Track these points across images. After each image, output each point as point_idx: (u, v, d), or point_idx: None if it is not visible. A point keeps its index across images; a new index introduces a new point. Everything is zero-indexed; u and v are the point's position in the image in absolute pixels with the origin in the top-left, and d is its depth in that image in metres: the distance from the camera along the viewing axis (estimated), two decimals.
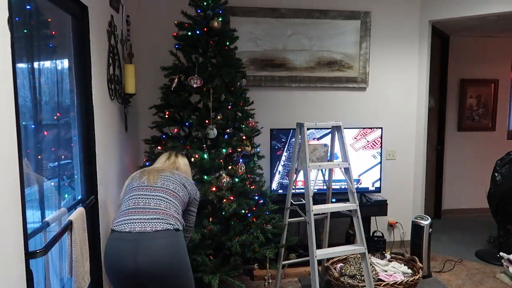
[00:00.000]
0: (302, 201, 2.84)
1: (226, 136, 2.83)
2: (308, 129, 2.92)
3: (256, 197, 2.93)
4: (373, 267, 3.11)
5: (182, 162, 2.38)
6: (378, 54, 3.90)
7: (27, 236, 1.42)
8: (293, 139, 3.42)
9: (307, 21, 3.73)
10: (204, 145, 2.76)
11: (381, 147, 3.69)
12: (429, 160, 4.39)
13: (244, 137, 2.89)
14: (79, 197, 2.18)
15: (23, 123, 1.52)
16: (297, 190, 3.46)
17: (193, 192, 2.21)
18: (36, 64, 1.74)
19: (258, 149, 3.10)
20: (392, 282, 2.93)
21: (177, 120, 2.88)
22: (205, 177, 2.71)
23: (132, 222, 1.82)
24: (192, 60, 2.84)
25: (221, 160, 2.75)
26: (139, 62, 3.17)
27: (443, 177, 5.12)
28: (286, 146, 3.54)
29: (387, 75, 3.95)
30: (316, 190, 3.32)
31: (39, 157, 1.78)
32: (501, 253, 3.51)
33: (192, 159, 2.72)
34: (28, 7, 1.65)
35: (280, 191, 3.51)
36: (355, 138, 3.64)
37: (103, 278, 2.33)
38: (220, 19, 2.83)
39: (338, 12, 3.77)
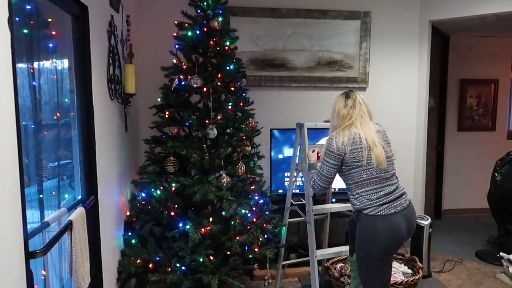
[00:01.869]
0: (302, 201, 2.84)
1: (226, 136, 2.83)
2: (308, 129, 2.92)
3: (256, 197, 2.93)
4: None
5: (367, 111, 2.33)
6: (378, 54, 3.90)
7: (27, 236, 1.42)
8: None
9: (307, 21, 3.73)
10: (204, 145, 2.76)
11: None
12: (429, 160, 4.39)
13: (244, 137, 2.89)
14: (79, 197, 2.18)
15: (23, 123, 1.52)
16: (297, 190, 3.47)
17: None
18: (36, 64, 1.74)
19: (258, 149, 3.10)
20: (392, 282, 2.93)
21: (177, 120, 2.88)
22: (205, 177, 2.71)
23: (394, 206, 2.18)
24: (192, 60, 2.84)
25: (221, 160, 2.75)
26: (139, 62, 3.17)
27: (443, 177, 5.12)
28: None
29: (387, 75, 3.95)
30: None
31: (39, 157, 1.78)
32: (501, 253, 3.51)
33: (192, 159, 2.72)
34: (28, 7, 1.64)
35: (280, 191, 3.51)
36: None
37: (103, 278, 2.33)
38: (220, 19, 2.83)
39: (338, 12, 3.77)
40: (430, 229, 3.47)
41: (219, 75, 2.80)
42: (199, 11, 2.85)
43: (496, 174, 3.77)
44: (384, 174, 2.21)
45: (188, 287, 2.53)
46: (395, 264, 3.25)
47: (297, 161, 2.95)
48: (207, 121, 2.77)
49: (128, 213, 2.93)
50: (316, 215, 2.85)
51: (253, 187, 2.95)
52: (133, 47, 3.08)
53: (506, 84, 5.19)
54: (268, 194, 3.09)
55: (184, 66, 2.82)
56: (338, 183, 3.53)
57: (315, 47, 3.77)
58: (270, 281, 2.98)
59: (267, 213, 2.93)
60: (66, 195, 2.10)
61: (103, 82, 2.44)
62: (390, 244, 2.16)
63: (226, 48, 2.86)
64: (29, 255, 1.42)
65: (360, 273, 2.29)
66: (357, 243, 2.23)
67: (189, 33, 2.81)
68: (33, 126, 1.71)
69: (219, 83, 2.79)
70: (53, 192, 1.94)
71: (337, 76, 3.84)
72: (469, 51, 5.01)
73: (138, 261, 2.66)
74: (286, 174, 3.55)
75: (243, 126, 2.93)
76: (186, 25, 2.84)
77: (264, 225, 2.83)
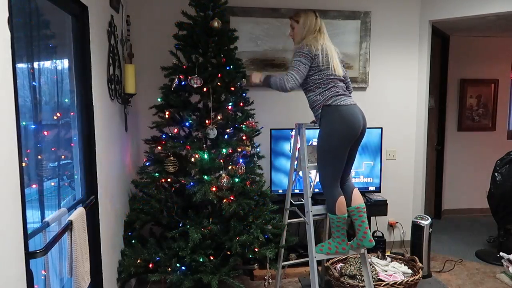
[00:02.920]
0: (302, 201, 2.84)
1: (226, 136, 2.83)
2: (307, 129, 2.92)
3: (256, 197, 2.93)
4: (373, 267, 3.12)
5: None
6: (378, 54, 3.90)
7: (27, 236, 1.42)
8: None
9: None
10: (204, 145, 2.76)
11: (381, 147, 3.69)
12: (429, 160, 4.39)
13: (244, 137, 2.89)
14: (79, 197, 2.18)
15: (23, 123, 1.52)
16: (296, 190, 3.47)
17: None
18: (36, 64, 1.74)
19: (258, 149, 3.10)
20: (392, 282, 2.93)
21: (177, 120, 2.88)
22: (205, 177, 2.71)
23: (351, 100, 2.62)
24: (192, 60, 2.84)
25: (221, 160, 2.75)
26: (139, 62, 3.17)
27: (443, 177, 5.12)
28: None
29: (387, 75, 3.95)
30: (316, 190, 3.32)
31: (39, 157, 1.78)
32: (501, 253, 3.52)
33: (192, 159, 2.72)
34: (28, 7, 1.64)
35: (280, 191, 3.51)
36: None
37: (103, 278, 2.33)
38: (220, 19, 2.83)
39: (338, 12, 3.77)
40: (430, 229, 3.47)
41: (219, 75, 2.80)
42: (199, 11, 2.85)
43: (496, 174, 3.77)
44: (339, 78, 2.65)
45: (188, 287, 2.53)
46: (395, 264, 3.25)
47: (296, 162, 2.95)
48: (207, 121, 2.77)
49: (128, 213, 2.93)
50: (315, 216, 2.85)
51: (253, 187, 2.95)
52: (133, 47, 3.08)
53: (506, 84, 5.19)
54: (268, 194, 3.09)
55: (184, 66, 2.82)
56: None
57: None
58: (270, 281, 2.98)
59: (267, 213, 2.93)
60: (66, 195, 2.10)
61: (103, 82, 2.44)
62: (351, 132, 2.53)
63: (226, 48, 2.87)
64: (29, 255, 1.42)
65: (319, 164, 2.65)
66: (321, 136, 2.59)
67: (189, 33, 2.81)
68: (33, 126, 1.71)
69: (219, 83, 2.79)
70: (53, 192, 1.94)
71: None
72: (469, 51, 5.01)
73: (138, 261, 2.66)
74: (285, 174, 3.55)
75: (243, 126, 2.93)
76: (186, 25, 2.84)
77: (264, 225, 2.83)
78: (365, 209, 2.71)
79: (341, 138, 2.53)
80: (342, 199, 2.64)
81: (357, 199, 2.72)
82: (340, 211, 2.64)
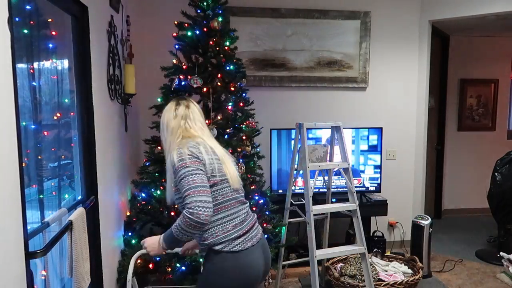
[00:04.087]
0: (302, 201, 2.84)
1: (226, 136, 2.83)
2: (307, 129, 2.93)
3: (256, 197, 2.93)
4: (373, 267, 3.12)
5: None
6: (378, 54, 3.90)
7: (27, 236, 1.41)
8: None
9: (307, 21, 3.73)
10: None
11: (381, 147, 3.69)
12: (429, 160, 4.39)
13: (244, 137, 2.89)
14: (79, 197, 2.18)
15: (23, 123, 1.52)
16: (297, 190, 3.47)
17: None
18: (36, 64, 1.74)
19: (258, 149, 3.09)
20: (392, 282, 2.93)
21: None
22: None
23: (250, 238, 1.78)
24: (192, 60, 2.84)
25: None
26: (139, 62, 3.17)
27: (443, 177, 5.12)
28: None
29: (387, 75, 3.95)
30: (316, 190, 3.32)
31: (39, 157, 1.78)
32: (501, 253, 3.51)
33: None
34: (28, 7, 1.64)
35: (280, 191, 3.51)
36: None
37: (103, 278, 2.33)
38: (220, 19, 2.83)
39: (338, 12, 3.77)
40: (430, 229, 3.47)
41: (219, 75, 2.80)
42: (199, 11, 2.85)
43: (496, 174, 3.77)
44: (238, 196, 1.79)
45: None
46: (395, 264, 3.25)
47: (296, 161, 2.95)
48: (207, 121, 2.77)
49: (128, 213, 2.93)
50: (316, 215, 2.85)
51: (253, 187, 2.95)
52: (133, 47, 3.08)
53: (506, 84, 5.19)
54: (268, 194, 3.09)
55: (184, 66, 2.81)
56: (337, 181, 3.54)
57: (315, 47, 3.77)
58: (270, 281, 2.98)
59: (267, 213, 2.93)
60: (66, 195, 2.10)
61: (103, 82, 2.44)
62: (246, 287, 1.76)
63: (226, 48, 2.86)
64: (29, 255, 1.42)
65: None
66: None
67: (189, 33, 2.81)
68: (33, 126, 1.71)
69: (219, 83, 2.78)
70: (53, 192, 1.94)
71: (337, 76, 3.84)
72: (469, 51, 5.01)
73: (138, 261, 2.66)
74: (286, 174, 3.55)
75: (243, 126, 2.93)
76: (186, 25, 2.84)
77: (264, 225, 2.83)
78: None
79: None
80: None
81: None
82: None
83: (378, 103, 3.96)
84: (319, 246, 3.02)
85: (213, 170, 1.70)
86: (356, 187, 3.26)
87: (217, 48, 2.81)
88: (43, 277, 1.69)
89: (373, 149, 3.68)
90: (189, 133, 1.79)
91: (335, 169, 3.12)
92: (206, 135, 1.83)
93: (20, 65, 1.55)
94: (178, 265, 2.61)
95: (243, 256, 1.72)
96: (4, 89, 1.29)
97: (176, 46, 2.88)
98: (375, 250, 3.46)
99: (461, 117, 5.14)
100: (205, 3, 2.81)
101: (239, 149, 2.84)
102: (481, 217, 4.96)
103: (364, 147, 3.67)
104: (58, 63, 2.02)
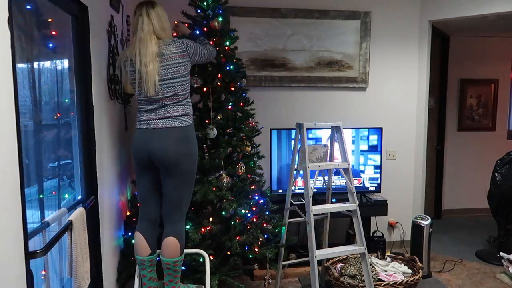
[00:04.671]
0: (302, 201, 2.84)
1: (226, 136, 2.83)
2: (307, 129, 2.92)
3: (256, 197, 2.93)
4: (373, 267, 3.12)
5: (156, 20, 2.29)
6: (378, 54, 3.90)
7: (27, 236, 1.41)
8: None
9: (307, 21, 3.73)
10: (204, 145, 2.76)
11: (381, 147, 3.69)
12: (429, 160, 4.40)
13: (244, 137, 2.89)
14: (79, 197, 2.18)
15: (23, 123, 1.52)
16: (297, 190, 3.47)
17: (192, 49, 2.35)
18: (36, 64, 1.74)
19: (258, 149, 3.09)
20: (392, 282, 2.93)
21: None
22: (205, 177, 2.71)
23: (148, 123, 2.28)
24: None
25: (221, 160, 2.75)
26: None
27: (443, 177, 5.12)
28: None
29: (387, 75, 3.95)
30: (316, 190, 3.32)
31: (39, 157, 1.78)
32: (501, 253, 3.52)
33: None
34: (28, 7, 1.64)
35: (280, 191, 3.51)
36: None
37: (103, 278, 2.33)
38: (220, 19, 2.83)
39: (338, 12, 3.77)
40: (430, 229, 3.47)
41: (219, 75, 2.80)
42: (199, 11, 2.85)
43: (496, 174, 3.77)
44: (154, 98, 2.25)
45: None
46: (395, 264, 3.25)
47: (296, 161, 2.95)
48: (207, 121, 2.77)
49: (128, 213, 2.93)
50: (316, 215, 2.85)
51: (253, 187, 2.95)
52: None
53: (506, 84, 5.19)
54: (268, 194, 3.09)
55: None
56: (337, 181, 3.54)
57: (315, 47, 3.77)
58: (270, 281, 2.98)
59: (267, 213, 2.93)
60: (66, 195, 2.10)
61: (103, 82, 2.44)
62: (137, 157, 2.32)
63: (226, 48, 2.86)
64: (29, 255, 1.42)
65: None
66: None
67: (189, 33, 2.81)
68: (33, 126, 1.71)
69: (219, 83, 2.79)
70: (53, 192, 1.94)
71: (337, 76, 3.84)
72: (469, 51, 5.01)
73: None
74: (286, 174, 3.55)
75: (243, 126, 2.93)
76: (186, 25, 2.84)
77: (264, 225, 2.83)
78: (175, 266, 2.28)
79: (134, 160, 2.38)
80: (138, 236, 2.33)
81: (165, 251, 2.28)
82: (136, 251, 2.34)
83: (378, 103, 3.96)
84: (319, 246, 3.02)
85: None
86: (356, 187, 3.26)
87: (217, 48, 2.81)
88: (43, 277, 1.70)
89: (373, 149, 3.68)
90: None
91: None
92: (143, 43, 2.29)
93: (20, 65, 1.55)
94: None
95: (137, 132, 2.33)
96: (4, 89, 1.29)
97: None
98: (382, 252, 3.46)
99: (461, 117, 5.14)
100: (205, 3, 2.82)
101: (239, 149, 2.85)
102: (481, 217, 4.96)
103: (364, 147, 3.67)
104: (58, 63, 2.02)
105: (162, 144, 2.22)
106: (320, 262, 3.21)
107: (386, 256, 3.39)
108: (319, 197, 3.29)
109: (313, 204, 2.73)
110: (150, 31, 2.23)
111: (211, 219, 2.72)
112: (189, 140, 2.29)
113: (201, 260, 2.59)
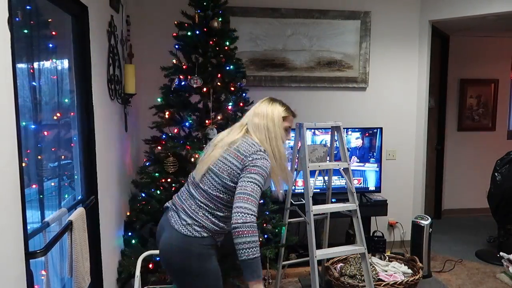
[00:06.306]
0: (302, 201, 2.84)
1: None
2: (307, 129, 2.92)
3: None
4: (373, 267, 3.12)
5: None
6: (378, 54, 3.90)
7: (27, 236, 1.42)
8: None
9: (307, 21, 3.73)
10: (204, 145, 2.76)
11: (381, 147, 3.69)
12: (429, 160, 4.39)
13: None
14: (79, 197, 2.18)
15: (23, 123, 1.52)
16: (297, 190, 3.47)
17: (249, 161, 1.77)
18: (36, 64, 1.74)
19: None
20: (392, 282, 2.93)
21: (177, 120, 2.88)
22: None
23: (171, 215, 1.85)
24: (192, 60, 2.84)
25: None
26: (139, 62, 3.17)
27: (443, 177, 5.12)
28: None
29: (387, 75, 3.95)
30: (318, 190, 3.32)
31: (39, 157, 1.78)
32: (501, 253, 3.51)
33: (192, 159, 2.72)
34: (28, 7, 1.65)
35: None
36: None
37: (103, 278, 2.33)
38: (220, 19, 2.83)
39: (338, 12, 3.77)
40: (430, 229, 3.47)
41: (219, 75, 2.80)
42: (199, 11, 2.85)
43: (496, 174, 3.77)
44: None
45: None
46: (395, 264, 3.25)
47: (296, 161, 2.95)
48: (207, 121, 2.77)
49: (128, 213, 2.93)
50: (316, 215, 2.85)
51: None
52: (133, 47, 3.08)
53: (506, 84, 5.19)
54: (268, 194, 3.08)
55: (184, 66, 2.82)
56: (337, 181, 3.54)
57: (315, 47, 3.77)
58: (270, 281, 2.98)
59: (267, 213, 2.93)
60: (66, 195, 2.10)
61: (103, 82, 2.44)
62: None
63: (226, 48, 2.86)
64: (29, 255, 1.42)
65: None
66: None
67: (189, 33, 2.81)
68: (33, 126, 1.71)
69: (219, 83, 2.79)
70: (53, 192, 1.94)
71: (337, 76, 3.84)
72: (469, 51, 5.01)
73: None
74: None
75: None
76: (186, 25, 2.85)
77: (264, 225, 2.83)
78: None
79: None
80: None
81: None
82: None
83: (378, 103, 3.96)
84: (319, 246, 3.02)
85: None
86: (356, 187, 3.26)
87: (217, 48, 2.81)
88: (43, 277, 1.70)
89: (373, 149, 3.68)
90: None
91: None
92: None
93: (20, 65, 1.55)
94: None
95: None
96: (4, 89, 1.29)
97: (176, 46, 2.88)
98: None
99: (461, 117, 5.14)
100: (205, 3, 2.82)
101: None
102: (481, 217, 4.96)
103: (364, 146, 3.67)
104: (58, 63, 2.02)
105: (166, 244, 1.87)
106: (320, 262, 3.21)
107: (386, 256, 3.39)
108: (319, 197, 3.29)
109: (313, 204, 2.72)
110: None
111: None
112: None
113: None
